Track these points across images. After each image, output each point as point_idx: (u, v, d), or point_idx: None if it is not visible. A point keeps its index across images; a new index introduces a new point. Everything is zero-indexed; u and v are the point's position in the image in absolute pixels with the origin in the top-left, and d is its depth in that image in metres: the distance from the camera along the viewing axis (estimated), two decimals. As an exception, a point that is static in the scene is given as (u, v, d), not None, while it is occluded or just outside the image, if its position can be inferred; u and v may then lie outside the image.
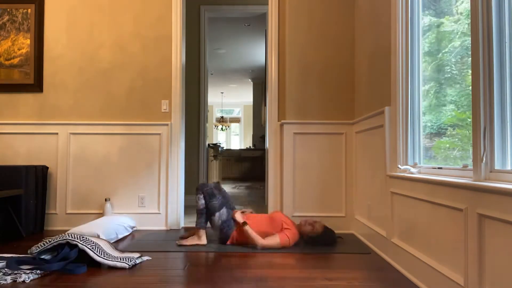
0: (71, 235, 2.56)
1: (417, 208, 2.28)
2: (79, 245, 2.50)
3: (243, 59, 9.10)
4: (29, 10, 3.97)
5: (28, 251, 2.58)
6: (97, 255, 2.51)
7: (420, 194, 2.22)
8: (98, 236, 3.00)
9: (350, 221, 3.76)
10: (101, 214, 3.82)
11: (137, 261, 2.62)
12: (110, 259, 2.52)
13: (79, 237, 2.56)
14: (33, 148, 3.91)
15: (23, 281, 2.20)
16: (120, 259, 2.55)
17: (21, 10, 3.98)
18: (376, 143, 3.07)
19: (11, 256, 2.61)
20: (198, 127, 5.55)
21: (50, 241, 2.55)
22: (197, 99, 5.55)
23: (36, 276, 2.27)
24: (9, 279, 2.20)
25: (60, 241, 2.53)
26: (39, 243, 2.59)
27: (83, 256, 2.51)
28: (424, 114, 2.53)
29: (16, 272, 2.28)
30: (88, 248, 2.50)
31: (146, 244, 3.14)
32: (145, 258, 2.72)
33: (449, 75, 2.31)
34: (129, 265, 2.52)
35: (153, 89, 3.94)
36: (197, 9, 5.51)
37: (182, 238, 3.32)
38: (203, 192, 3.18)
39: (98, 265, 2.51)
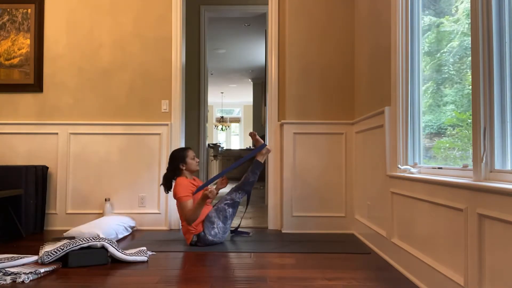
0: (83, 239, 2.58)
1: (417, 208, 2.28)
2: (101, 243, 2.58)
3: (243, 59, 9.10)
4: (29, 10, 3.97)
5: (39, 261, 2.48)
6: (118, 250, 2.61)
7: (420, 194, 2.22)
8: (98, 236, 3.00)
9: (350, 221, 3.76)
10: (101, 214, 3.82)
11: (149, 253, 2.80)
12: (129, 255, 2.64)
13: (91, 238, 2.60)
14: (33, 148, 3.91)
15: (23, 282, 2.19)
16: (136, 254, 2.69)
17: (21, 10, 3.98)
18: (376, 143, 3.07)
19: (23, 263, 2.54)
20: (198, 127, 5.55)
21: (62, 249, 2.50)
22: (197, 99, 5.55)
23: (36, 277, 2.27)
24: (8, 279, 2.20)
25: (73, 248, 2.51)
26: (50, 250, 2.50)
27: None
28: (424, 114, 2.54)
29: (16, 272, 2.27)
30: (108, 244, 2.59)
31: (146, 244, 3.14)
32: (150, 252, 2.84)
33: (446, 75, 2.31)
34: (147, 257, 2.70)
35: (153, 89, 3.94)
36: (197, 9, 5.51)
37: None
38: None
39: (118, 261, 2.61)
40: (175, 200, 3.17)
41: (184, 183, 3.17)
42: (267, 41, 4.09)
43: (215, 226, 3.12)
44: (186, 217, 3.05)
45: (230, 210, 3.20)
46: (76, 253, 2.51)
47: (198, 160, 3.36)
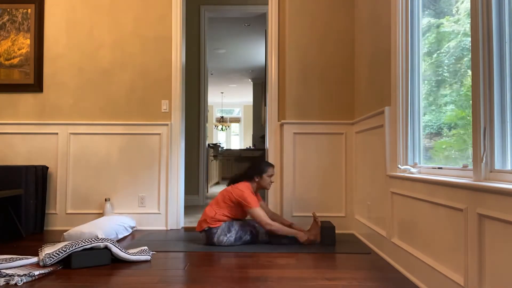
0: (84, 240, 2.57)
1: (417, 208, 2.28)
2: (104, 243, 2.58)
3: (243, 59, 9.09)
4: (29, 10, 3.97)
5: (41, 263, 2.45)
6: (121, 250, 2.62)
7: (420, 194, 2.22)
8: (97, 237, 3.00)
9: (350, 221, 3.76)
10: (101, 214, 3.82)
11: (150, 252, 2.80)
12: (132, 254, 2.66)
13: (93, 239, 2.59)
14: (33, 148, 3.91)
15: (15, 284, 2.17)
16: (138, 253, 2.71)
17: (21, 10, 3.98)
18: (376, 143, 3.07)
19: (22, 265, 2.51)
20: (198, 127, 5.55)
21: (64, 250, 2.48)
22: (197, 99, 5.55)
23: (30, 279, 2.25)
24: (2, 281, 2.18)
25: (76, 249, 2.50)
26: (52, 252, 2.48)
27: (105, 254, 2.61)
28: (424, 114, 2.54)
29: (11, 274, 2.26)
30: (112, 244, 2.59)
31: (146, 244, 3.14)
32: (151, 252, 2.83)
33: (446, 76, 2.31)
34: (150, 256, 2.72)
35: (153, 89, 3.94)
36: (197, 9, 5.51)
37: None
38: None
39: (119, 261, 2.62)
40: (234, 195, 3.19)
41: (250, 192, 3.23)
42: (267, 41, 4.09)
43: (227, 236, 3.12)
44: (263, 225, 3.13)
45: (248, 238, 3.17)
46: (79, 254, 2.50)
47: (273, 181, 3.41)
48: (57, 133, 3.91)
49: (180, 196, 3.93)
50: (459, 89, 2.16)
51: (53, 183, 3.90)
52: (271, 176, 3.36)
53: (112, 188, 3.89)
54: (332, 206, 3.78)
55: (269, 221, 3.14)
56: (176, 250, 3.01)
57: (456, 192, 1.82)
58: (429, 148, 2.50)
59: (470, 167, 1.80)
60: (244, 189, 3.21)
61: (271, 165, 3.40)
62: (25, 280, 2.22)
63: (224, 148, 11.62)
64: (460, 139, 2.16)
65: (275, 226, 3.14)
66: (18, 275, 2.23)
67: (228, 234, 3.11)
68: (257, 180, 3.32)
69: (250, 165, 3.41)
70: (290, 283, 2.24)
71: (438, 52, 2.42)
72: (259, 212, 3.14)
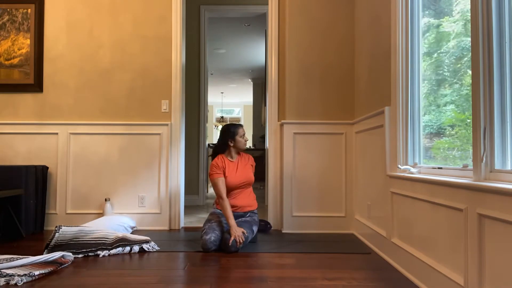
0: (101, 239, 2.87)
1: (417, 208, 2.28)
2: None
3: (243, 59, 9.09)
4: (29, 10, 3.97)
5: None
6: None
7: (420, 194, 2.22)
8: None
9: (350, 221, 3.76)
10: (101, 214, 3.82)
11: (155, 246, 3.03)
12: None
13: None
14: (33, 148, 3.91)
15: (15, 284, 2.17)
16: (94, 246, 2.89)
17: (21, 10, 3.98)
18: (376, 143, 3.07)
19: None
20: (198, 127, 5.55)
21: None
22: (197, 99, 5.55)
23: (30, 279, 2.24)
24: (2, 281, 2.18)
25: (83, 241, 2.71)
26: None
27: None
28: (424, 114, 2.54)
29: (11, 274, 2.25)
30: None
31: (146, 244, 3.14)
32: (155, 246, 3.03)
33: (446, 76, 2.31)
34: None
35: (153, 89, 3.94)
36: (197, 9, 5.51)
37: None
38: None
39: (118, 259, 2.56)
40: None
41: (215, 163, 3.27)
42: (267, 41, 4.09)
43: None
44: (216, 196, 3.23)
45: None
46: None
47: (247, 139, 3.40)
48: (57, 133, 3.91)
49: (180, 196, 3.93)
50: (460, 89, 2.16)
51: (53, 183, 3.90)
52: (243, 136, 3.36)
53: (112, 188, 3.89)
54: (332, 206, 3.78)
55: (223, 195, 3.15)
56: (176, 250, 3.01)
57: (456, 192, 1.82)
58: (429, 148, 2.50)
59: (470, 167, 1.80)
60: (210, 165, 3.31)
61: (239, 125, 3.41)
62: (25, 280, 2.22)
63: (224, 148, 11.61)
64: (462, 136, 2.16)
65: (225, 204, 3.10)
66: (18, 275, 2.23)
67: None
68: (232, 144, 3.32)
69: (220, 134, 3.41)
70: (290, 283, 2.24)
71: (438, 52, 2.42)
72: (214, 181, 3.19)
